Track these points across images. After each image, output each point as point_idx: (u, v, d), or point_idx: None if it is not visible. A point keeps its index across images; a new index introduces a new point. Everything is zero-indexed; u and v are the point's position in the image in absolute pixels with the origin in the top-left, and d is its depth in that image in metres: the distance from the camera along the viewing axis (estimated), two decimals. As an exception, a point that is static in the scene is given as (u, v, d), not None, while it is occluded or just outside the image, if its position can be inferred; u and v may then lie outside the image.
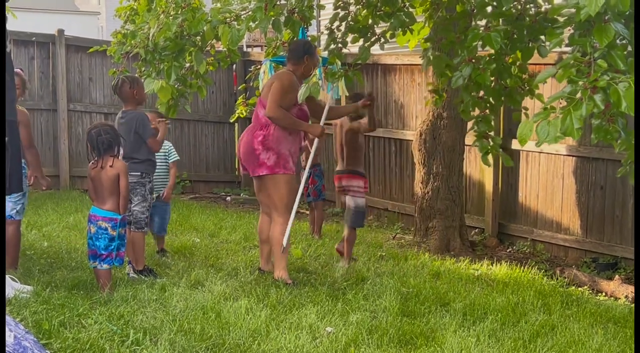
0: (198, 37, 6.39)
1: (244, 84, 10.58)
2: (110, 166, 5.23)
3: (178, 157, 7.02)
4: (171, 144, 7.00)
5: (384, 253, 7.23)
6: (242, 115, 10.05)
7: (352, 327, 4.65)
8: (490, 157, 5.66)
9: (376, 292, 5.51)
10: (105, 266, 5.23)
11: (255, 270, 5.95)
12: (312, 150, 6.27)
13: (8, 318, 3.84)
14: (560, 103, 3.64)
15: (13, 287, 5.12)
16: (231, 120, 10.77)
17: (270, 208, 5.89)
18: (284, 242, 5.75)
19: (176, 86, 6.94)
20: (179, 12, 6.36)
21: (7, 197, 5.76)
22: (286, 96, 5.68)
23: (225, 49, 7.01)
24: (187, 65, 6.89)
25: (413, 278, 6.01)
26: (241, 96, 10.40)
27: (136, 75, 6.76)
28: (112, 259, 5.24)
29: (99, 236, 5.19)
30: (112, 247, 5.20)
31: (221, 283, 5.46)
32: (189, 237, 7.58)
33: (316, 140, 6.00)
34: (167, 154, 6.82)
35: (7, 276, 5.20)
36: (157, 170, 6.43)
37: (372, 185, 9.82)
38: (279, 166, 5.74)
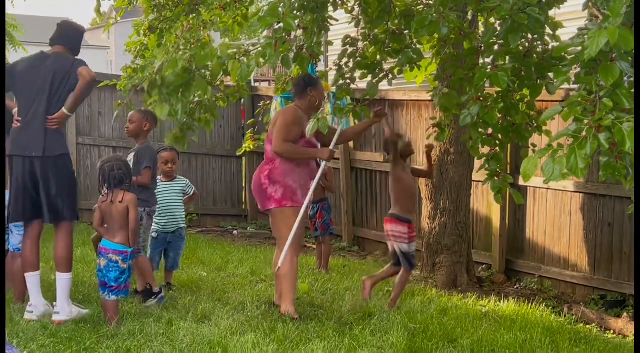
0: (207, 72, 6.42)
1: (253, 119, 10.61)
2: (120, 201, 5.28)
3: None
4: (187, 179, 7.06)
5: (391, 289, 7.19)
6: (248, 149, 10.10)
7: (359, 363, 4.63)
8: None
9: (383, 327, 5.48)
10: (113, 297, 5.24)
11: (262, 304, 5.93)
12: (319, 172, 5.88)
13: (16, 351, 3.83)
14: (568, 140, 3.64)
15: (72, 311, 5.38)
16: (238, 154, 10.79)
17: (279, 241, 5.88)
18: (279, 263, 5.66)
19: (183, 120, 6.98)
20: (188, 48, 6.41)
21: (15, 230, 5.79)
22: (291, 131, 5.75)
23: (234, 84, 7.06)
24: (197, 99, 6.94)
25: (420, 314, 5.98)
26: (249, 130, 10.44)
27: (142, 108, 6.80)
28: (120, 291, 5.26)
29: (110, 269, 5.22)
30: (122, 279, 5.23)
31: (228, 318, 5.45)
32: (196, 271, 7.58)
33: (323, 163, 5.88)
34: (185, 187, 6.86)
35: (72, 303, 5.47)
36: (174, 205, 6.57)
37: (379, 220, 9.81)
38: (286, 199, 5.76)
